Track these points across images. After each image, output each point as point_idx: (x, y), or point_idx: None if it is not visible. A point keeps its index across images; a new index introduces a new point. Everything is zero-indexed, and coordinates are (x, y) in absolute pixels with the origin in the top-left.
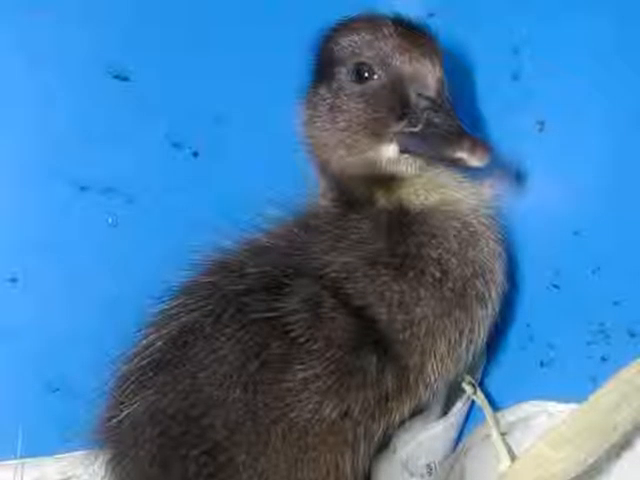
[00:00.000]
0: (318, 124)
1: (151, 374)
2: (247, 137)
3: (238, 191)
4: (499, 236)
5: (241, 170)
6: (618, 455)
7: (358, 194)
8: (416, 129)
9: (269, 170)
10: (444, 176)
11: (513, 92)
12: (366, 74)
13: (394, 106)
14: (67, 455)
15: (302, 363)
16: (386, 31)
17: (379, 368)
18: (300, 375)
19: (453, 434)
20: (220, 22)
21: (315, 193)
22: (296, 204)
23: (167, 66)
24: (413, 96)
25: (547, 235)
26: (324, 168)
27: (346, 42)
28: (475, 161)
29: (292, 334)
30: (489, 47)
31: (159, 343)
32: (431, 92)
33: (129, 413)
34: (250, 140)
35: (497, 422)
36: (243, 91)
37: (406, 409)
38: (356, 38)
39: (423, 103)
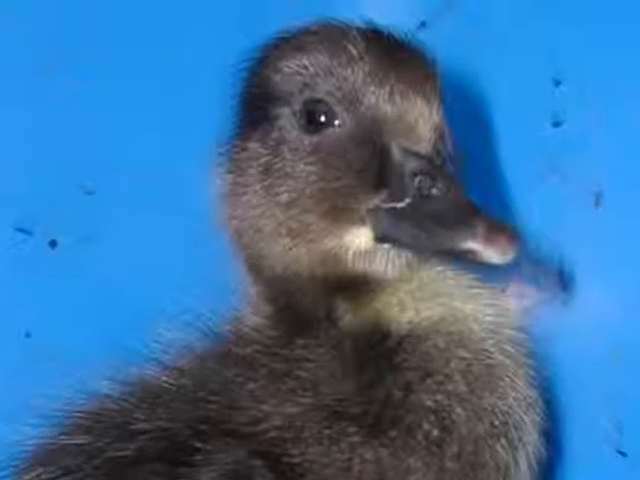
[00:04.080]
0: (246, 197)
1: None
2: (132, 218)
3: (118, 301)
4: (532, 373)
5: (123, 268)
6: None
7: (309, 307)
8: (402, 204)
9: (167, 268)
10: (445, 278)
11: (553, 146)
12: (323, 118)
13: (367, 168)
14: None
15: None
16: (354, 50)
17: None
18: None
19: None
20: (84, 42)
21: (242, 305)
22: (212, 322)
23: (6, 115)
24: (397, 153)
25: (607, 368)
26: (256, 266)
27: (291, 67)
28: (494, 255)
29: None
30: (513, 74)
31: None
32: (425, 147)
33: None
34: (136, 222)
35: None
36: (124, 148)
37: None
38: (306, 61)
39: (413, 164)
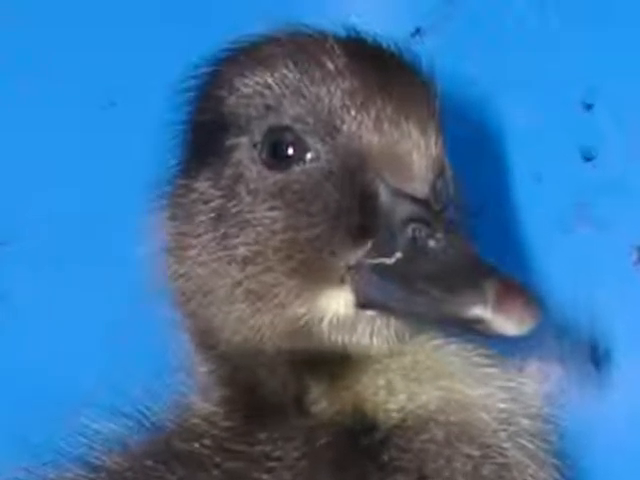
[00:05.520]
0: (194, 251)
1: None
2: (50, 276)
3: (30, 380)
4: (556, 474)
5: (37, 338)
6: None
7: (274, 391)
8: (391, 260)
9: (92, 340)
10: (446, 355)
11: (583, 185)
12: (290, 150)
13: (346, 214)
14: None
15: None
16: (330, 64)
17: None
18: None
19: None
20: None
21: (188, 389)
22: (149, 410)
23: None
24: (385, 195)
25: None
26: (207, 339)
27: (250, 86)
28: (508, 325)
29: None
30: (533, 96)
31: None
32: (420, 188)
33: None
34: (55, 281)
35: None
36: (42, 191)
37: None
38: (270, 78)
39: (405, 209)
